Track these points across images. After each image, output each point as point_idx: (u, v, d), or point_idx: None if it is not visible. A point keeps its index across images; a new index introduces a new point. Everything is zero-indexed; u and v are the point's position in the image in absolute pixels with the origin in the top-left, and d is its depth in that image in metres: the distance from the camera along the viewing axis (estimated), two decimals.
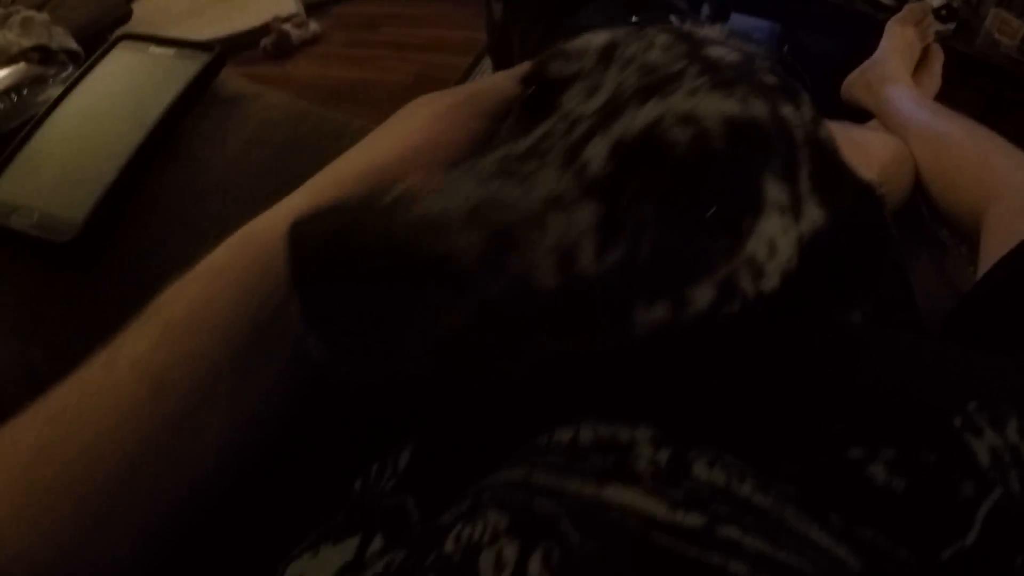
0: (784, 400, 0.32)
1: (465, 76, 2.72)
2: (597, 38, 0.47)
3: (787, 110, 0.45)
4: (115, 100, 0.83)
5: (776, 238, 0.43)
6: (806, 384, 0.33)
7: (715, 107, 0.41)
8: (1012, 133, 0.91)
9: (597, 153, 0.39)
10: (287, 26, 2.93)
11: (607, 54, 0.45)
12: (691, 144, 0.39)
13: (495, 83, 0.55)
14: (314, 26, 3.03)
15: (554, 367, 0.37)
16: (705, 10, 2.77)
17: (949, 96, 1.27)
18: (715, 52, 0.46)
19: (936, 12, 2.39)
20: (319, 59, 2.93)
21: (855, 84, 1.25)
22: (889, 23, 1.34)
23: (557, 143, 0.40)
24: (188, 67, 0.83)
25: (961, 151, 0.93)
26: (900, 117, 1.09)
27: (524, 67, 0.54)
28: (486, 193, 0.36)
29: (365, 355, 0.33)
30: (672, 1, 1.08)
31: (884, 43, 1.30)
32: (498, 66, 1.55)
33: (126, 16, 2.70)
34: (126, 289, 0.73)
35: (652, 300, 0.40)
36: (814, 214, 0.45)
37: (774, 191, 0.42)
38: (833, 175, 0.47)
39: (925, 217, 0.99)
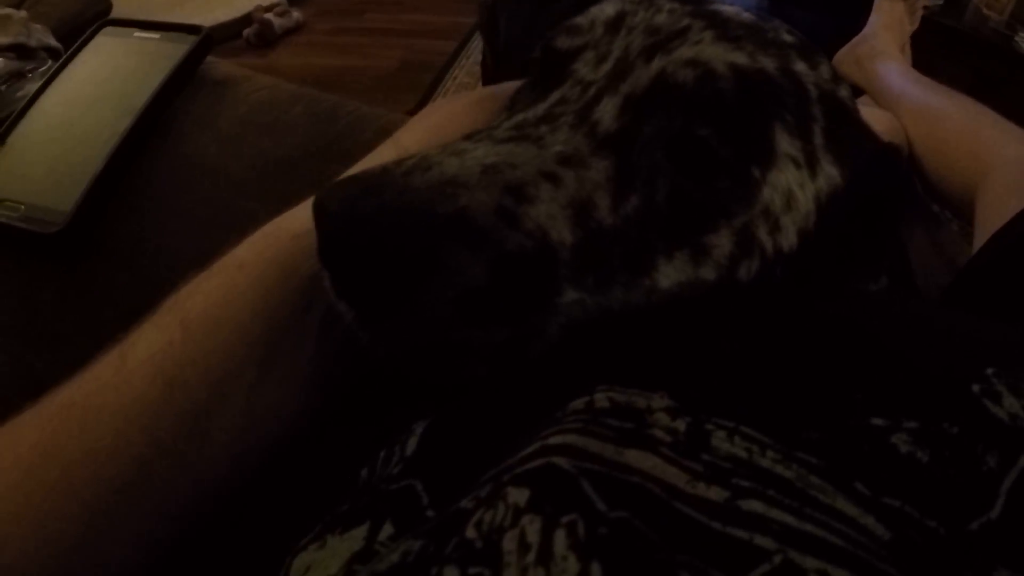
0: (801, 368, 0.31)
1: (451, 61, 2.70)
2: (605, 11, 0.47)
3: (800, 66, 0.44)
4: (100, 87, 0.81)
5: (794, 190, 0.43)
6: (824, 351, 0.32)
7: (720, 54, 0.41)
8: (1001, 108, 0.91)
9: (607, 111, 0.40)
10: (269, 15, 2.90)
11: (615, 25, 0.45)
12: (697, 81, 0.40)
13: (511, 85, 0.55)
14: (297, 15, 3.01)
15: (579, 328, 0.38)
16: None
17: (938, 71, 1.27)
18: (724, 10, 0.46)
19: None
20: (303, 48, 2.91)
21: (844, 60, 1.24)
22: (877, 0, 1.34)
23: (570, 107, 0.41)
24: (174, 50, 0.81)
25: (954, 126, 0.93)
26: (892, 92, 1.08)
27: None
28: (499, 154, 0.36)
29: (391, 315, 0.34)
30: None
31: (873, 18, 1.29)
32: (490, 44, 1.54)
33: (106, 11, 2.67)
34: (119, 279, 0.72)
35: (672, 249, 0.40)
36: (830, 172, 0.44)
37: (784, 143, 0.42)
38: (850, 134, 0.46)
39: (919, 192, 0.99)
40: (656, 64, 0.41)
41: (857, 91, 1.19)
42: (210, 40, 0.82)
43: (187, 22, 2.93)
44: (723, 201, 0.41)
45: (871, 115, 1.06)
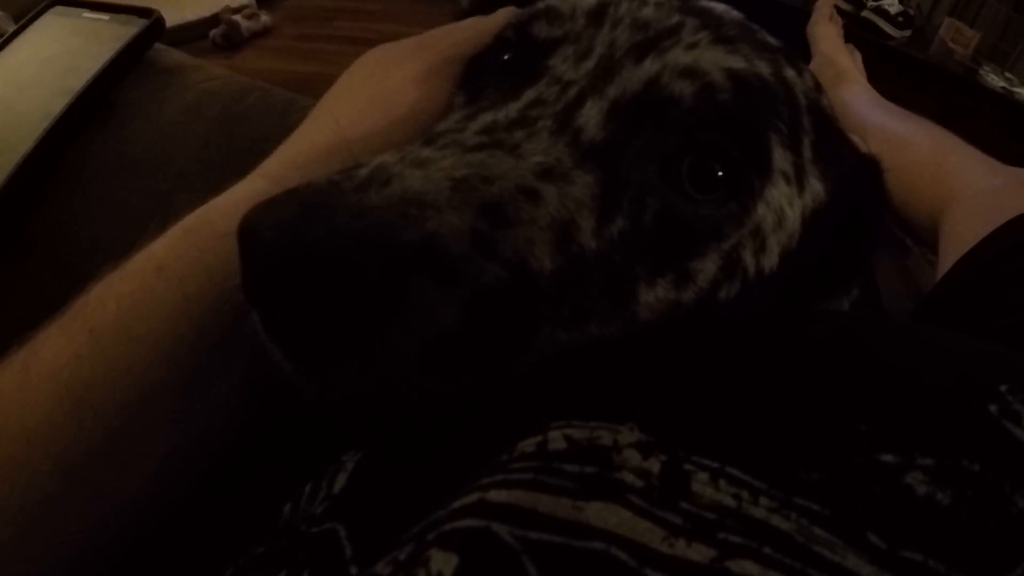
0: (794, 394, 0.27)
1: None
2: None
3: (790, 73, 0.42)
4: (40, 68, 0.76)
5: (784, 207, 0.40)
6: (819, 374, 0.28)
7: (718, 60, 0.38)
8: (965, 139, 0.91)
9: (591, 117, 0.36)
10: (237, 17, 2.85)
11: (597, 16, 0.41)
12: (696, 97, 0.36)
13: (470, 39, 0.49)
14: (265, 18, 2.97)
15: (549, 364, 0.33)
16: None
17: (903, 102, 1.27)
18: (714, 6, 0.43)
19: (893, 19, 2.44)
20: (269, 52, 2.86)
21: None
22: (809, 28, 1.34)
23: (547, 110, 0.36)
24: (122, 33, 0.76)
25: (919, 153, 0.92)
26: (857, 118, 1.07)
27: (497, 19, 0.49)
28: (470, 165, 0.31)
29: (341, 368, 0.28)
30: None
31: (818, 46, 1.29)
32: None
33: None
34: (44, 275, 0.66)
35: (655, 276, 0.36)
36: (816, 188, 0.42)
37: (779, 156, 0.39)
38: (833, 146, 0.44)
39: (885, 218, 0.99)
40: (648, 67, 0.38)
41: None
42: (161, 24, 0.78)
43: None
44: (716, 222, 0.38)
45: None
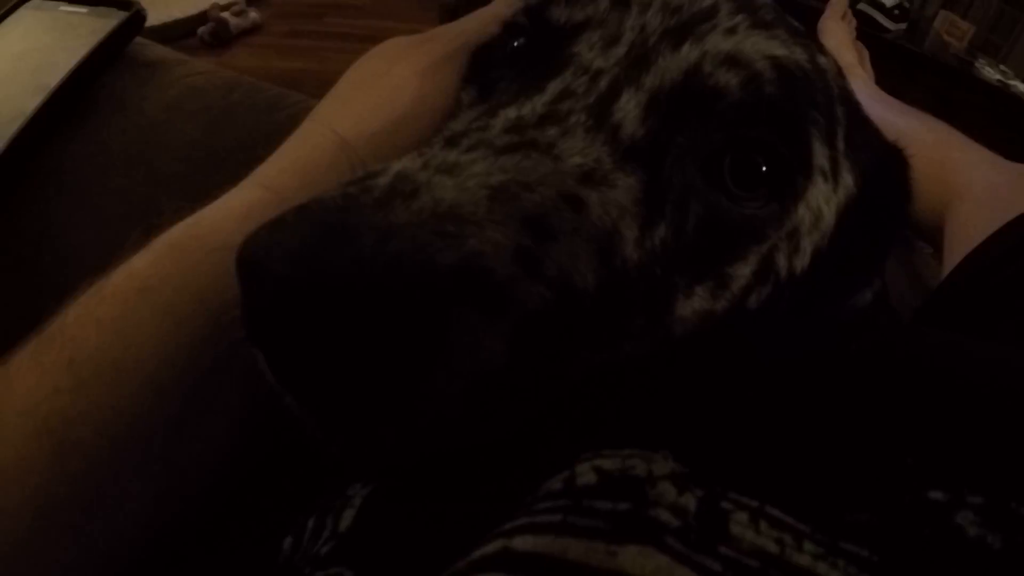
0: (837, 424, 0.24)
1: None
2: None
3: (822, 60, 0.39)
4: (14, 64, 0.73)
5: (822, 206, 0.37)
6: (861, 401, 0.25)
7: (760, 47, 0.35)
8: (961, 131, 0.91)
9: (629, 111, 0.33)
10: (225, 15, 2.82)
11: None
12: (743, 88, 0.34)
13: (478, 29, 0.46)
14: (254, 15, 2.94)
15: (577, 389, 0.29)
16: None
17: (899, 95, 1.27)
18: None
19: (889, 12, 2.44)
20: (259, 49, 2.83)
21: None
22: (821, 23, 1.35)
23: (579, 103, 0.33)
24: (100, 26, 0.72)
25: (922, 148, 0.91)
26: None
27: (503, 6, 0.45)
28: (506, 170, 0.28)
29: (371, 417, 0.24)
30: None
31: (826, 41, 1.29)
32: None
33: None
34: (16, 282, 0.63)
35: (693, 285, 0.34)
36: (847, 181, 0.40)
37: (819, 153, 0.37)
38: (861, 135, 0.42)
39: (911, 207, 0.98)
40: (687, 53, 0.34)
41: None
42: (141, 17, 0.74)
43: None
44: (758, 223, 0.35)
45: None
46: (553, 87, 0.34)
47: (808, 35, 0.41)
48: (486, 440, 0.27)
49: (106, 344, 0.32)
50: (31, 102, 0.66)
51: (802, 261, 0.38)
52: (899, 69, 2.28)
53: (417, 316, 0.22)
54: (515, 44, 0.40)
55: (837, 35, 1.30)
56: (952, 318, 0.57)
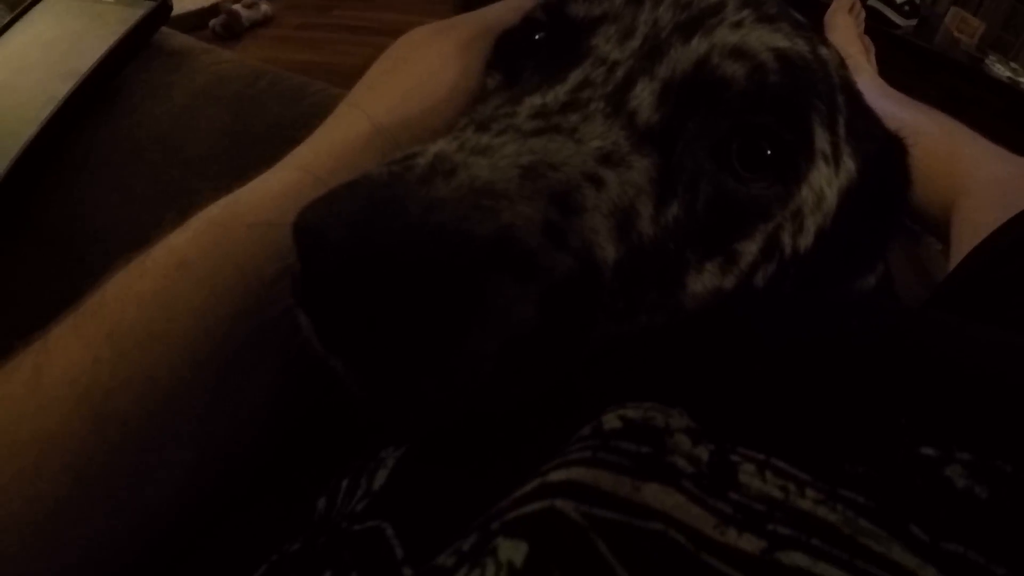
0: (835, 388, 0.26)
1: None
2: None
3: (824, 51, 0.42)
4: (44, 51, 0.74)
5: (824, 187, 0.40)
6: (858, 367, 0.27)
7: (765, 40, 0.37)
8: (971, 128, 0.92)
9: (644, 99, 0.35)
10: (237, 7, 2.84)
11: None
12: (748, 78, 0.36)
13: (499, 17, 0.47)
14: (265, 7, 2.95)
15: (598, 357, 0.31)
16: None
17: (909, 90, 1.28)
18: None
19: (899, 8, 2.44)
20: (270, 42, 2.85)
21: None
22: (827, 16, 1.34)
23: (597, 91, 0.35)
24: (128, 15, 0.74)
25: (930, 142, 0.92)
26: None
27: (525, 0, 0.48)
28: (534, 151, 0.30)
29: (418, 379, 0.26)
30: None
31: (832, 35, 1.29)
32: None
33: None
34: (50, 264, 0.64)
35: (703, 261, 0.36)
36: (849, 166, 0.42)
37: (820, 137, 0.39)
38: (862, 123, 0.44)
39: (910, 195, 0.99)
40: (696, 46, 0.37)
41: None
42: (168, 7, 0.76)
43: None
44: (764, 202, 0.37)
45: None
46: (574, 77, 0.36)
47: (811, 28, 0.43)
48: (516, 400, 0.29)
49: (146, 317, 0.33)
50: (63, 87, 0.67)
51: (806, 240, 0.40)
52: (909, 65, 2.29)
53: (457, 280, 0.24)
54: (536, 37, 0.42)
55: (842, 29, 1.30)
56: (960, 310, 0.58)
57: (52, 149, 0.66)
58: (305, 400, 0.38)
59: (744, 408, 0.25)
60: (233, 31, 2.82)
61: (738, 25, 0.38)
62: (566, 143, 0.32)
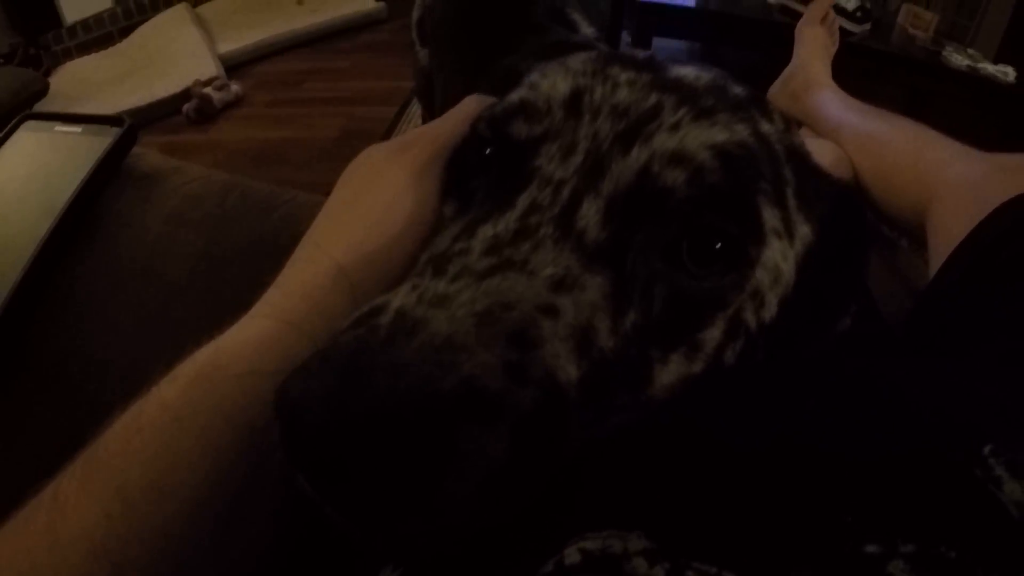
0: (783, 491, 0.28)
1: (393, 126, 2.70)
2: (558, 88, 0.43)
3: (766, 127, 0.43)
4: (19, 187, 0.76)
5: (779, 263, 0.41)
6: (804, 469, 0.29)
7: (702, 138, 0.39)
8: (935, 120, 0.92)
9: (591, 217, 0.37)
10: (208, 90, 2.87)
11: (574, 106, 0.41)
12: (689, 184, 0.37)
13: (451, 131, 0.49)
14: (235, 87, 2.99)
15: (570, 468, 0.33)
16: (626, 37, 2.84)
17: (872, 94, 1.29)
18: (682, 73, 0.44)
19: (851, 15, 2.48)
20: (243, 121, 2.88)
21: (779, 95, 1.24)
22: (798, 28, 1.35)
23: (545, 215, 0.37)
24: (97, 144, 0.76)
25: (896, 150, 0.93)
26: (831, 122, 1.08)
27: (467, 108, 0.49)
28: (488, 295, 0.32)
29: (400, 519, 0.29)
30: (591, 43, 1.07)
31: (799, 49, 1.30)
32: (427, 110, 1.53)
33: (43, 90, 2.63)
34: (46, 397, 0.66)
35: (668, 354, 0.38)
36: (804, 231, 0.43)
37: (768, 216, 0.40)
38: (812, 186, 0.45)
39: (870, 218, 0.99)
40: (636, 156, 0.38)
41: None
42: (135, 131, 0.78)
43: (126, 100, 2.87)
44: (719, 292, 0.39)
45: (815, 147, 1.06)
46: (522, 201, 0.38)
47: (752, 100, 0.45)
48: (495, 523, 0.31)
49: (150, 471, 0.36)
50: (43, 226, 0.69)
51: (769, 312, 0.41)
52: (869, 70, 2.33)
53: (429, 436, 0.27)
54: (486, 152, 0.44)
55: (808, 42, 1.31)
56: (947, 314, 0.59)
57: (38, 289, 0.68)
58: (304, 525, 0.40)
59: (701, 518, 0.27)
60: (206, 114, 2.86)
61: (676, 127, 0.39)
62: (519, 279, 0.34)
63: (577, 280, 0.35)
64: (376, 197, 0.46)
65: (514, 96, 0.44)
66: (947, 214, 0.73)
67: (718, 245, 0.38)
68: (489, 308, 0.31)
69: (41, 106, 2.58)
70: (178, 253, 0.67)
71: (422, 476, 0.27)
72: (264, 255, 0.61)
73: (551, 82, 0.43)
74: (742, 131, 0.40)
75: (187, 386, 0.38)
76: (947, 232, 0.68)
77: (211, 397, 0.37)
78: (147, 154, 0.81)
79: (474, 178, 0.44)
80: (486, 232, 0.37)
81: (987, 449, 0.27)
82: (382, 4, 3.58)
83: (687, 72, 0.44)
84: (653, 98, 0.40)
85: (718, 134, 0.39)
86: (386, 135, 2.63)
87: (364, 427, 0.26)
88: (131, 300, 0.65)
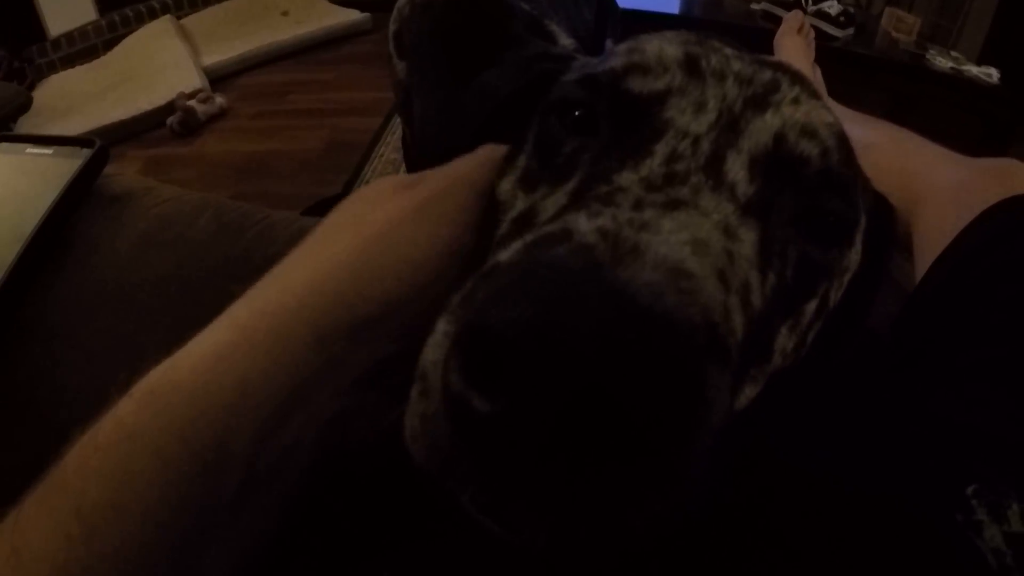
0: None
1: (377, 138, 2.70)
2: (667, 52, 0.41)
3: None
4: None
5: (859, 245, 0.43)
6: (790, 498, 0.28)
7: (822, 118, 0.40)
8: (919, 123, 0.93)
9: (739, 171, 0.36)
10: (192, 103, 2.86)
11: (693, 68, 0.41)
12: (821, 158, 0.38)
13: (468, 174, 0.46)
14: (220, 100, 2.98)
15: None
16: (610, 45, 2.84)
17: (857, 99, 1.29)
18: (771, 58, 0.45)
19: (835, 20, 2.49)
20: (228, 133, 2.87)
21: None
22: (777, 39, 1.36)
23: (690, 164, 0.35)
24: (67, 166, 0.75)
25: (881, 157, 0.93)
26: None
27: (488, 151, 0.47)
28: (685, 227, 0.29)
29: (640, 505, 0.23)
30: (571, 54, 1.06)
31: (779, 58, 1.31)
32: (406, 123, 1.52)
33: (27, 103, 2.62)
34: (15, 425, 0.65)
35: (781, 325, 0.38)
36: (863, 222, 0.45)
37: (860, 203, 0.43)
38: (863, 178, 0.47)
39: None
40: (771, 120, 0.39)
41: None
42: (105, 152, 0.77)
43: (110, 113, 2.85)
44: (828, 265, 0.40)
45: None
46: (661, 150, 0.36)
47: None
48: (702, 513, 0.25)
49: (106, 491, 0.35)
50: (11, 251, 0.68)
51: (838, 294, 0.43)
52: (853, 75, 2.33)
53: (688, 380, 0.22)
54: (575, 114, 0.42)
55: (789, 51, 1.31)
56: (932, 321, 0.59)
57: (8, 312, 0.67)
58: (275, 545, 0.39)
59: None
60: (190, 127, 2.85)
61: (797, 101, 0.40)
62: (699, 218, 0.31)
63: (735, 231, 0.33)
64: (375, 217, 0.43)
65: (614, 61, 0.42)
66: (932, 219, 0.73)
67: (833, 222, 0.39)
68: (693, 239, 0.28)
69: (25, 119, 2.58)
70: (148, 279, 0.65)
71: (675, 436, 0.21)
72: (233, 277, 0.59)
73: (656, 47, 0.42)
74: (835, 118, 0.42)
75: (141, 404, 0.37)
76: (932, 237, 0.68)
77: (162, 415, 0.36)
78: (119, 176, 0.79)
79: (563, 141, 0.42)
80: (629, 176, 0.34)
81: (971, 489, 0.27)
82: (366, 15, 3.58)
83: (769, 58, 0.45)
84: (768, 73, 0.41)
85: (827, 115, 0.40)
86: (371, 147, 2.63)
87: (617, 367, 0.20)
88: (101, 325, 0.64)
